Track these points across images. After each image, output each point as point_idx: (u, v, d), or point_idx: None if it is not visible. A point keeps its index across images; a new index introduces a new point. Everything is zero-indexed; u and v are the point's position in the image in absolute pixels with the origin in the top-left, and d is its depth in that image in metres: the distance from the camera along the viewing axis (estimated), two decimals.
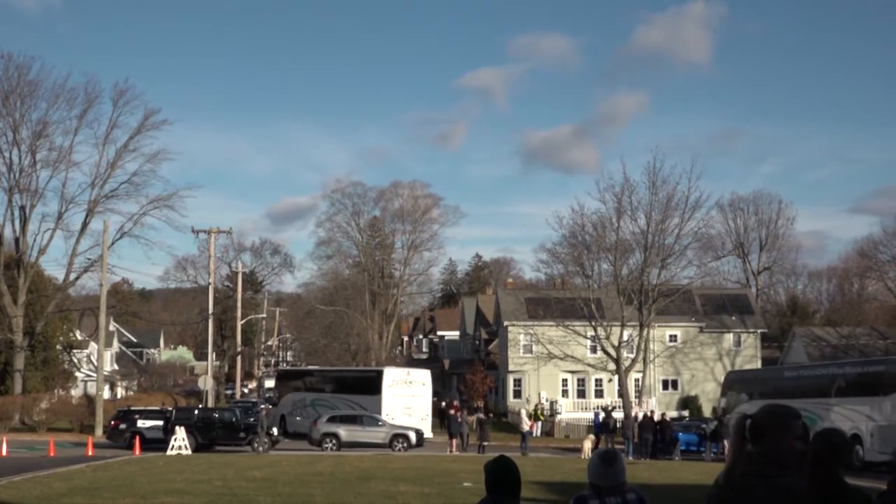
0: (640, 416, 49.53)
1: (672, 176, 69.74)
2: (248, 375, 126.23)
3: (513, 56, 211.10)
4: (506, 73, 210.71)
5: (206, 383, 67.16)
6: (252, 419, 51.26)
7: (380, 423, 52.68)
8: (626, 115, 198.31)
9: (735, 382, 55.62)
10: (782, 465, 5.25)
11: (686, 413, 72.78)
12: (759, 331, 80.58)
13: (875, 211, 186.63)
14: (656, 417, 51.82)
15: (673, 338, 77.87)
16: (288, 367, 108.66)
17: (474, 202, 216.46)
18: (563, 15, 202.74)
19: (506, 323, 78.28)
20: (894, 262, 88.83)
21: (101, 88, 75.54)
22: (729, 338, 79.40)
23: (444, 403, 74.30)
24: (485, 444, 48.05)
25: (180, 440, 44.41)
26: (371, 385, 58.50)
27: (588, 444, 45.40)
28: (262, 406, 66.26)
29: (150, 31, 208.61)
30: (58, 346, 77.13)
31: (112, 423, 51.98)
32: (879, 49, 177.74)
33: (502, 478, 6.25)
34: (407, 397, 56.71)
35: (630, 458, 44.06)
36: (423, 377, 59.59)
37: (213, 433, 48.30)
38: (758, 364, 77.36)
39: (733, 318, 79.90)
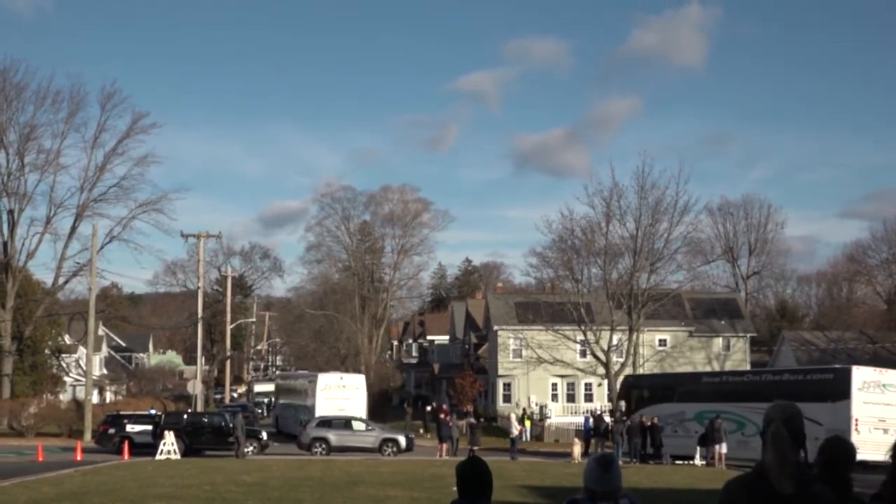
0: (630, 420, 49.50)
1: (661, 180, 70.06)
2: (237, 380, 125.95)
3: (506, 59, 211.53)
4: (498, 76, 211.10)
5: (196, 388, 67.01)
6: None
7: (369, 428, 52.73)
8: (618, 118, 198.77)
9: (633, 387, 56.12)
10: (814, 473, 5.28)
11: None
12: (748, 335, 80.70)
13: (865, 215, 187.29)
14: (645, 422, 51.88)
15: (662, 342, 77.94)
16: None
17: (465, 206, 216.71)
18: (556, 18, 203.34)
19: (495, 327, 78.27)
20: (883, 267, 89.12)
21: (87, 91, 75.48)
22: (718, 342, 79.51)
23: (429, 408, 74.24)
24: (475, 448, 47.98)
25: (169, 445, 44.27)
26: (306, 388, 63.80)
27: (578, 449, 45.38)
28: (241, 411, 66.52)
29: (141, 35, 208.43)
30: (46, 351, 76.90)
31: (101, 427, 51.84)
32: (870, 53, 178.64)
33: (474, 479, 6.23)
34: (340, 400, 59.70)
35: (620, 461, 44.00)
36: (357, 382, 63.28)
37: (202, 438, 48.21)
38: (747, 368, 77.38)
39: (722, 322, 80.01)
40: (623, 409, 53.83)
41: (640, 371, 69.34)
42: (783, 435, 5.14)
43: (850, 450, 6.00)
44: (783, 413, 5.27)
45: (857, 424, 40.90)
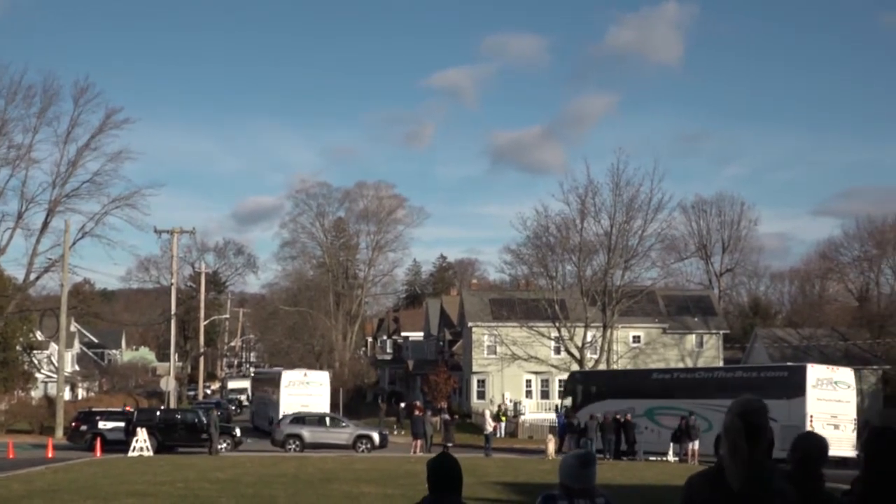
0: (603, 416, 49.65)
1: (636, 178, 70.21)
2: (210, 376, 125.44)
3: (483, 56, 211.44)
4: (475, 72, 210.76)
5: (169, 384, 66.70)
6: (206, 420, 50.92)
7: (343, 425, 52.73)
8: (595, 115, 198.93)
9: (580, 383, 56.50)
10: (773, 468, 5.27)
11: None
12: (721, 332, 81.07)
13: (838, 213, 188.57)
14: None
15: (636, 339, 78.20)
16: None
17: (441, 202, 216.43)
18: (534, 15, 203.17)
19: (470, 324, 78.32)
20: (855, 264, 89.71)
21: (60, 86, 74.54)
22: (691, 339, 79.85)
23: (402, 405, 74.16)
24: (449, 445, 47.99)
25: (142, 442, 44.05)
26: (273, 384, 64.64)
27: (552, 446, 45.45)
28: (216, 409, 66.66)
29: (115, 30, 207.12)
30: (17, 347, 76.19)
31: (73, 424, 51.55)
32: (846, 52, 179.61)
33: (444, 475, 6.21)
34: (304, 396, 60.78)
35: None
36: (321, 378, 64.62)
37: (175, 434, 47.94)
38: (720, 365, 77.75)
39: (696, 319, 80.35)
40: (569, 405, 54.33)
41: (615, 367, 69.56)
42: (736, 428, 5.14)
43: (822, 446, 6.02)
44: (741, 407, 5.28)
45: (811, 421, 41.98)
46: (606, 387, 54.13)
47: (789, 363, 59.16)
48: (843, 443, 39.78)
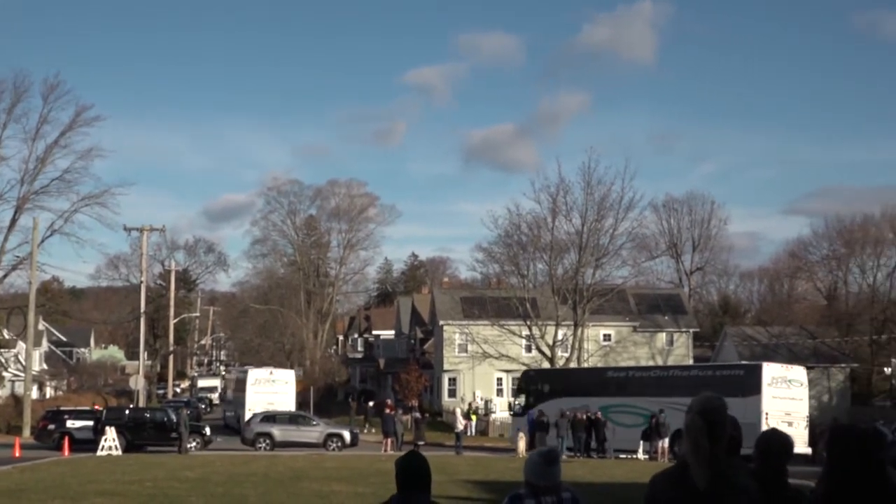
0: (573, 414, 49.76)
1: (607, 176, 70.42)
2: (180, 375, 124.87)
3: (456, 54, 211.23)
4: (448, 70, 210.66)
5: (138, 383, 66.37)
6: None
7: (314, 423, 52.63)
8: (568, 114, 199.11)
9: (533, 381, 56.87)
10: (737, 465, 5.28)
11: None
12: (691, 330, 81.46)
13: (809, 212, 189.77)
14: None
15: (607, 337, 78.43)
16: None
17: (413, 200, 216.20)
18: (507, 13, 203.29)
19: (441, 322, 78.32)
20: (823, 263, 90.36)
21: (30, 83, 73.86)
22: (662, 337, 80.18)
23: (370, 403, 74.01)
24: (420, 443, 47.98)
25: (111, 441, 43.78)
26: (241, 383, 65.73)
27: (522, 444, 45.49)
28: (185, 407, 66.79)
29: (86, 28, 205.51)
30: None
31: (40, 423, 51.14)
32: (819, 53, 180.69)
33: (412, 473, 6.20)
34: (270, 394, 61.45)
35: (564, 455, 44.25)
36: (286, 377, 65.21)
37: (144, 433, 47.68)
38: (689, 363, 78.07)
39: (666, 317, 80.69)
40: (522, 402, 54.60)
41: (585, 366, 69.74)
42: (698, 426, 5.15)
43: (785, 442, 6.04)
44: (701, 405, 5.29)
45: (766, 418, 42.66)
46: (561, 385, 54.70)
47: (744, 362, 60.91)
48: (796, 440, 40.10)
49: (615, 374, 55.85)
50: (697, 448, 5.08)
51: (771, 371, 46.16)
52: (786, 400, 44.66)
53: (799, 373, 47.11)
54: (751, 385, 44.37)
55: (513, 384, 76.60)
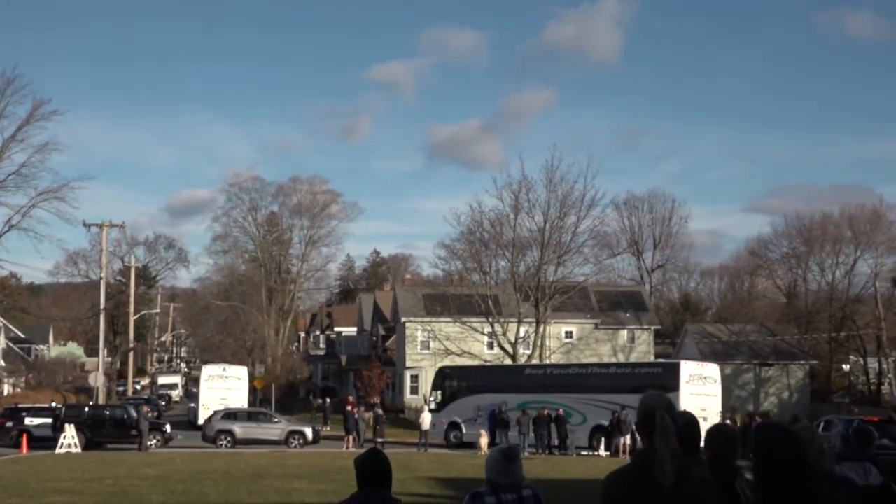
0: (535, 411, 49.90)
1: (570, 174, 70.75)
2: (140, 372, 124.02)
3: (421, 50, 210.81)
4: (413, 66, 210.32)
5: (97, 380, 65.82)
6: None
7: (275, 420, 52.46)
8: (533, 111, 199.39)
9: (449, 377, 57.36)
10: (693, 459, 5.30)
11: None
12: (652, 327, 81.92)
13: (770, 210, 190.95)
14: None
15: (569, 334, 78.72)
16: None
17: (377, 197, 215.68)
18: (473, 9, 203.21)
19: (403, 319, 78.30)
20: (783, 261, 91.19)
21: None
22: (623, 334, 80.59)
23: (328, 400, 73.81)
24: (380, 441, 47.91)
25: (70, 438, 43.39)
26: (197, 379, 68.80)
27: (484, 440, 45.56)
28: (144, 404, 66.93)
29: (46, 21, 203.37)
30: None
31: None
32: (781, 51, 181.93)
33: (372, 469, 6.20)
34: (223, 390, 63.79)
35: (526, 452, 44.37)
36: (240, 373, 67.08)
37: (103, 431, 47.31)
38: (651, 360, 78.60)
39: (628, 314, 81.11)
40: (438, 398, 55.02)
41: (547, 362, 69.96)
42: (670, 425, 5.18)
43: (733, 437, 6.09)
44: (662, 402, 5.32)
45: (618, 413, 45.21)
46: (478, 381, 55.30)
47: (662, 360, 62.64)
48: None
49: (534, 371, 56.79)
50: (668, 445, 5.10)
51: (688, 368, 48.02)
52: (701, 396, 46.28)
53: (713, 370, 49.10)
54: (669, 382, 45.62)
55: None
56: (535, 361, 67.75)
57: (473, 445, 47.14)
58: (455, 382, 55.93)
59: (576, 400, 48.56)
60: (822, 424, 45.24)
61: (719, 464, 5.82)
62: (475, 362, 70.57)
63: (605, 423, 47.05)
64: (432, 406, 54.08)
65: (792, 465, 5.07)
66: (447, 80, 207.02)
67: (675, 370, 47.43)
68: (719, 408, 47.47)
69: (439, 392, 55.81)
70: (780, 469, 5.08)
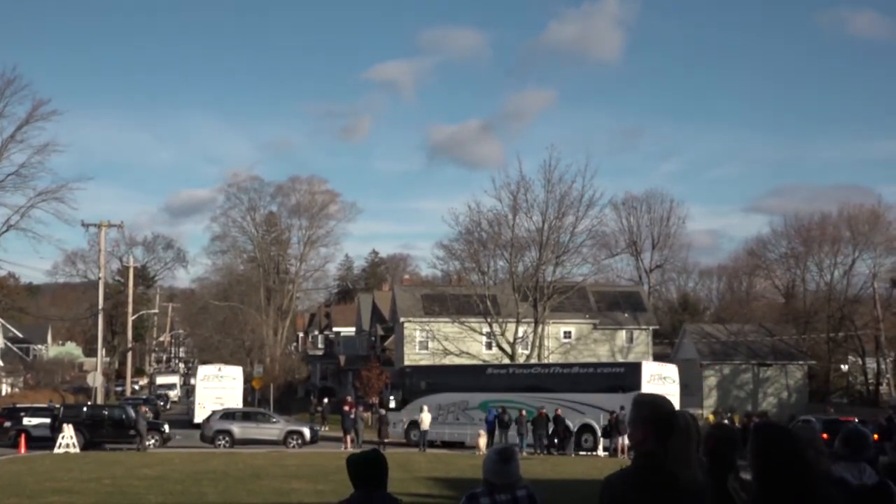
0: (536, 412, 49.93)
1: (568, 174, 70.65)
2: (139, 372, 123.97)
3: (422, 49, 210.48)
4: (414, 66, 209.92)
5: (96, 380, 65.79)
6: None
7: (274, 420, 52.43)
8: (534, 111, 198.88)
9: (410, 376, 57.91)
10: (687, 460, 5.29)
11: None
12: (651, 327, 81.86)
13: (769, 210, 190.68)
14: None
15: (567, 334, 78.67)
16: None
17: (377, 197, 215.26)
18: (474, 8, 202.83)
19: (402, 319, 78.27)
20: (781, 261, 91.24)
21: None
22: (622, 334, 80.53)
23: (325, 400, 73.80)
24: (384, 441, 47.88)
25: (68, 438, 43.34)
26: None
27: (483, 441, 45.56)
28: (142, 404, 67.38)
29: (46, 21, 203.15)
30: None
31: None
32: (781, 52, 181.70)
33: (365, 469, 6.18)
34: (218, 389, 65.60)
35: (524, 452, 44.37)
36: (234, 373, 68.82)
37: (102, 431, 47.26)
38: (649, 360, 78.54)
39: (626, 315, 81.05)
40: (399, 398, 55.36)
41: (545, 361, 69.99)
42: (691, 427, 5.18)
43: (732, 437, 6.08)
44: (668, 405, 5.32)
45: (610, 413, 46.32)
46: (440, 381, 55.76)
47: (623, 360, 63.97)
48: None
49: (496, 370, 57.22)
50: (690, 451, 5.11)
51: (650, 369, 49.78)
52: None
53: (672, 370, 50.85)
54: (631, 382, 47.29)
55: None
56: (533, 361, 67.77)
57: (434, 444, 47.48)
58: (417, 381, 56.47)
59: (538, 399, 49.40)
60: (799, 424, 46.12)
61: (718, 464, 5.82)
62: (473, 363, 70.69)
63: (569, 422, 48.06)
64: (392, 405, 54.68)
65: (791, 466, 5.06)
66: (447, 80, 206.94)
67: (636, 370, 48.88)
68: (677, 407, 47.51)
69: (400, 391, 56.41)
70: (779, 469, 5.07)
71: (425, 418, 49.63)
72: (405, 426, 53.21)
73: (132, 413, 48.20)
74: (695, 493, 5.04)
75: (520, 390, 51.34)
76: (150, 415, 60.14)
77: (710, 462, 5.83)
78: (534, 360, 68.20)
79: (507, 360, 67.13)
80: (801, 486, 5.02)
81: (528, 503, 6.61)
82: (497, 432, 47.94)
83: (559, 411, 48.39)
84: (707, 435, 6.06)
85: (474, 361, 70.05)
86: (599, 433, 48.24)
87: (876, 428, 35.55)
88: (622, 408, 45.70)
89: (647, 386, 47.29)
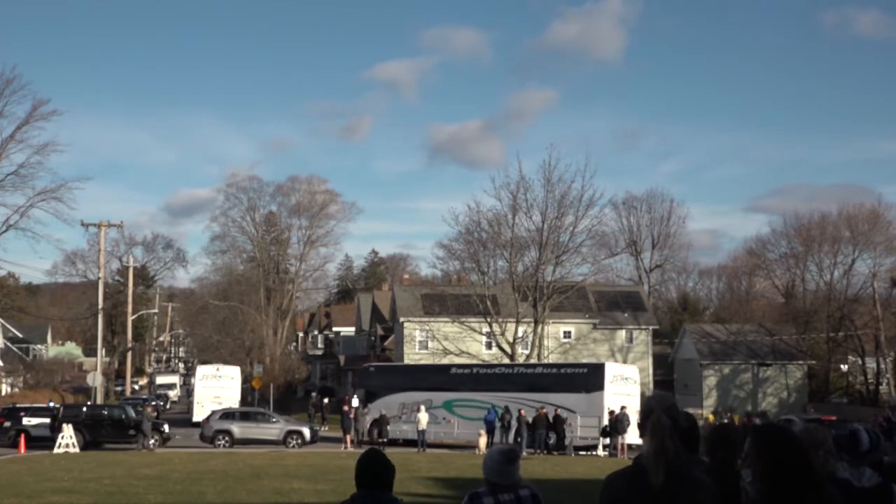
0: (534, 411, 49.90)
1: (568, 174, 70.67)
2: (138, 372, 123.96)
3: (423, 48, 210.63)
4: (415, 65, 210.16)
5: (95, 380, 65.79)
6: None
7: (273, 420, 52.40)
8: (535, 110, 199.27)
9: (373, 376, 58.14)
10: (693, 460, 5.27)
11: None
12: (650, 327, 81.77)
13: (770, 210, 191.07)
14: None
15: (567, 334, 78.63)
16: None
17: (378, 197, 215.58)
18: (475, 8, 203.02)
19: (401, 319, 78.24)
20: (781, 261, 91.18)
21: None
22: (621, 334, 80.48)
23: (325, 400, 73.73)
24: (383, 440, 47.91)
25: (68, 438, 43.35)
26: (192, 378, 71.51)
27: (483, 441, 45.56)
28: (146, 402, 67.89)
29: (47, 21, 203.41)
30: None
31: None
32: (782, 51, 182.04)
33: (371, 471, 6.15)
34: (217, 388, 67.67)
35: (524, 452, 44.34)
36: (232, 373, 70.55)
37: (101, 431, 47.25)
38: (649, 360, 78.63)
39: (626, 314, 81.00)
40: (363, 396, 55.55)
41: (546, 361, 70.00)
42: (665, 424, 5.14)
43: (735, 437, 6.05)
44: (662, 403, 5.28)
45: (608, 412, 47.00)
46: (404, 380, 56.40)
47: (586, 361, 64.44)
48: (629, 432, 46.37)
49: (460, 370, 57.47)
50: (662, 447, 5.06)
51: (612, 370, 50.56)
52: (622, 395, 48.49)
53: (632, 371, 52.06)
54: (595, 382, 48.76)
55: None
56: (533, 361, 67.77)
57: (397, 443, 47.93)
58: (381, 381, 56.85)
59: (502, 398, 50.25)
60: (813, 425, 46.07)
61: (721, 464, 5.80)
62: (473, 362, 70.69)
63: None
64: (355, 403, 54.88)
65: (791, 468, 5.05)
66: (449, 80, 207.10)
67: (599, 371, 49.76)
68: (637, 406, 48.54)
69: (364, 390, 56.71)
70: (778, 471, 5.05)
71: (423, 418, 49.62)
72: (368, 425, 53.60)
73: (132, 413, 48.21)
74: (681, 492, 5.02)
75: (483, 390, 52.06)
76: (155, 414, 60.39)
77: (712, 462, 5.81)
78: (534, 360, 68.21)
79: (507, 360, 67.13)
80: (802, 488, 5.01)
81: (531, 503, 6.60)
82: (498, 432, 47.93)
83: (558, 412, 48.29)
84: (710, 435, 6.04)
85: (474, 361, 70.10)
86: (564, 432, 48.40)
87: (876, 428, 35.54)
88: (623, 407, 45.76)
89: (610, 386, 48.52)
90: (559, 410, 48.03)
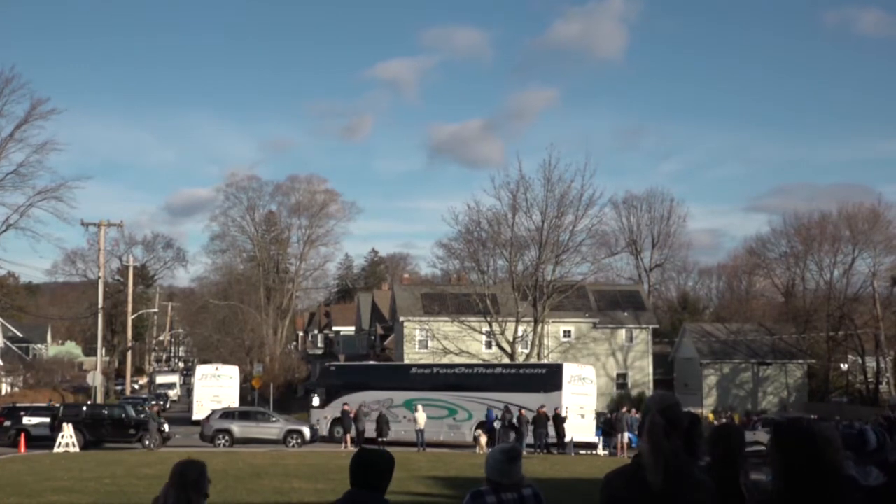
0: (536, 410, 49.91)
1: (568, 173, 70.59)
2: (138, 371, 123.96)
3: (424, 48, 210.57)
4: (416, 65, 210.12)
5: (95, 379, 65.78)
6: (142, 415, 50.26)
7: (273, 420, 52.38)
8: (536, 110, 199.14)
9: (334, 375, 58.65)
10: (691, 460, 5.25)
11: None
12: (650, 326, 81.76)
13: (769, 209, 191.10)
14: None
15: (567, 333, 78.61)
16: None
17: (378, 196, 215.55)
18: (476, 7, 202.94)
19: (401, 318, 78.23)
20: (781, 261, 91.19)
21: None
22: (621, 333, 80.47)
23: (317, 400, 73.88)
24: (383, 439, 47.88)
25: (68, 437, 43.31)
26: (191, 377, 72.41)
27: (483, 440, 45.54)
28: (153, 402, 67.91)
29: (47, 20, 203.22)
30: None
31: None
32: (783, 51, 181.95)
33: (364, 470, 6.11)
34: (216, 388, 68.67)
35: (525, 452, 44.33)
36: (231, 372, 71.57)
37: (102, 430, 47.20)
38: (649, 359, 78.67)
39: (626, 314, 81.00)
40: (323, 395, 56.13)
41: (545, 361, 69.99)
42: (659, 424, 5.11)
43: (738, 436, 6.04)
44: (660, 403, 5.26)
45: (566, 411, 47.79)
46: (364, 379, 56.76)
47: (545, 361, 65.14)
48: (586, 430, 49.37)
49: (420, 370, 57.91)
50: (657, 448, 5.04)
51: (570, 370, 51.35)
52: (580, 395, 49.95)
53: (590, 371, 52.85)
54: (553, 383, 49.66)
55: None
56: (533, 360, 67.77)
57: (353, 441, 48.15)
58: (342, 380, 57.12)
59: (461, 398, 51.45)
60: (760, 423, 47.82)
61: (724, 463, 5.78)
62: (473, 362, 70.67)
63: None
64: (316, 402, 55.43)
65: (815, 466, 5.02)
66: (449, 79, 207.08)
67: (558, 371, 50.58)
68: (594, 406, 51.51)
69: (324, 389, 56.97)
70: (801, 469, 5.03)
71: (420, 418, 49.64)
72: (328, 424, 53.61)
73: (132, 412, 48.17)
74: (680, 492, 5.00)
75: (444, 389, 52.64)
76: (157, 412, 60.53)
77: (715, 461, 5.79)
78: (533, 359, 68.20)
79: (506, 360, 67.13)
80: (824, 488, 4.98)
81: (534, 502, 6.58)
82: (499, 432, 47.88)
83: (558, 410, 48.30)
84: (713, 434, 6.03)
85: (474, 360, 70.09)
86: (524, 430, 48.50)
87: (876, 428, 35.56)
88: (623, 406, 45.89)
89: (568, 386, 49.32)
90: (522, 410, 48.32)
